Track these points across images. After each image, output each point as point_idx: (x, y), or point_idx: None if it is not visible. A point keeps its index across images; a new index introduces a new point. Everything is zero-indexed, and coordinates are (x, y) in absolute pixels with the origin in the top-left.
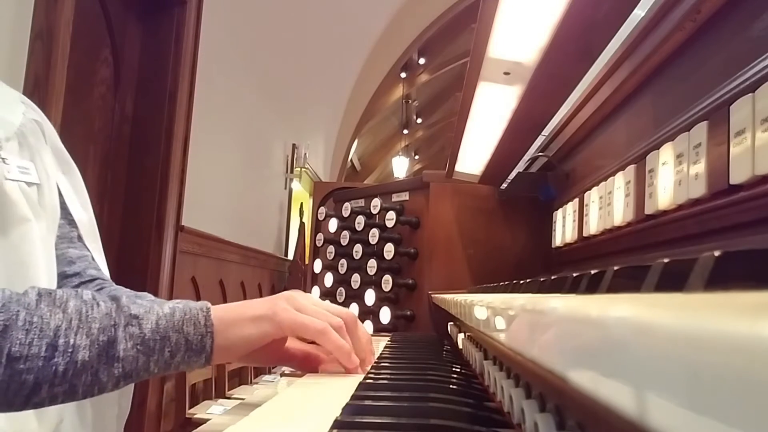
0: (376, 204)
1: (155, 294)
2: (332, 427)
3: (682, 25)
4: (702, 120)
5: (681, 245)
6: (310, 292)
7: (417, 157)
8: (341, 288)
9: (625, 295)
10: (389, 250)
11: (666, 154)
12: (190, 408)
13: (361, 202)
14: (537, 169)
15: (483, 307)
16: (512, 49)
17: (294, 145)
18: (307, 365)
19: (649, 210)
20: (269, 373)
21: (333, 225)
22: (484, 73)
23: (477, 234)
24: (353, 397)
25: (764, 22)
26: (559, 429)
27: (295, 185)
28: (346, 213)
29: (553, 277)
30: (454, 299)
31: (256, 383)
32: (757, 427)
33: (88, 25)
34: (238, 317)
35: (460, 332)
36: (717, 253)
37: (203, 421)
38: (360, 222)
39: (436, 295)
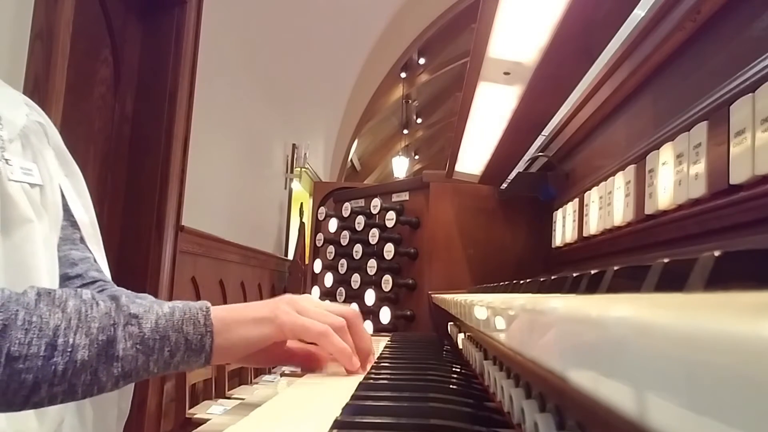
0: (376, 204)
1: (155, 294)
2: (332, 427)
3: (682, 25)
4: (702, 120)
5: (681, 245)
6: (310, 293)
7: (417, 157)
8: (341, 288)
9: (625, 295)
10: (389, 250)
11: (666, 154)
12: (190, 408)
13: (361, 202)
14: (537, 169)
15: (483, 307)
16: (512, 49)
17: (294, 145)
18: (308, 364)
19: (649, 210)
20: (269, 373)
21: (333, 225)
22: (484, 73)
23: (477, 234)
24: (353, 397)
25: (764, 22)
26: (559, 429)
27: (295, 185)
28: (346, 213)
29: (553, 277)
30: (454, 299)
31: (256, 383)
32: (757, 427)
33: (88, 25)
34: (239, 319)
35: (460, 332)
36: (717, 253)
37: (203, 421)
38: (360, 222)
39: (436, 295)
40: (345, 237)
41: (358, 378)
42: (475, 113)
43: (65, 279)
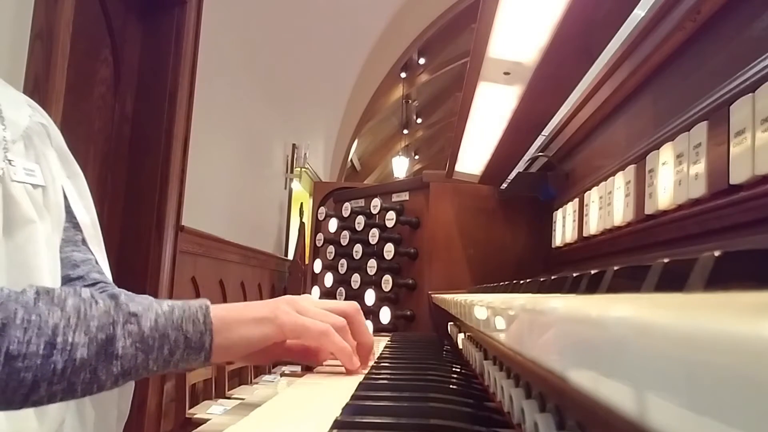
0: (376, 204)
1: (155, 295)
2: (332, 427)
3: (682, 25)
4: (702, 120)
5: (681, 245)
6: (310, 293)
7: (417, 157)
8: (341, 288)
9: (625, 295)
10: (389, 250)
11: (666, 154)
12: (190, 408)
13: (361, 202)
14: (537, 169)
15: (483, 307)
16: (512, 49)
17: (294, 145)
18: (306, 358)
19: (649, 210)
20: (269, 373)
21: (333, 225)
22: (484, 73)
23: (477, 234)
24: (353, 397)
25: (764, 22)
26: (559, 429)
27: (295, 185)
28: (346, 213)
29: (553, 277)
30: (454, 299)
31: (256, 383)
32: (757, 427)
33: (88, 25)
34: (240, 318)
35: (460, 332)
36: (717, 253)
37: (203, 421)
38: (360, 222)
39: (436, 295)
40: (345, 237)
41: (358, 378)
42: (475, 113)
43: (67, 281)
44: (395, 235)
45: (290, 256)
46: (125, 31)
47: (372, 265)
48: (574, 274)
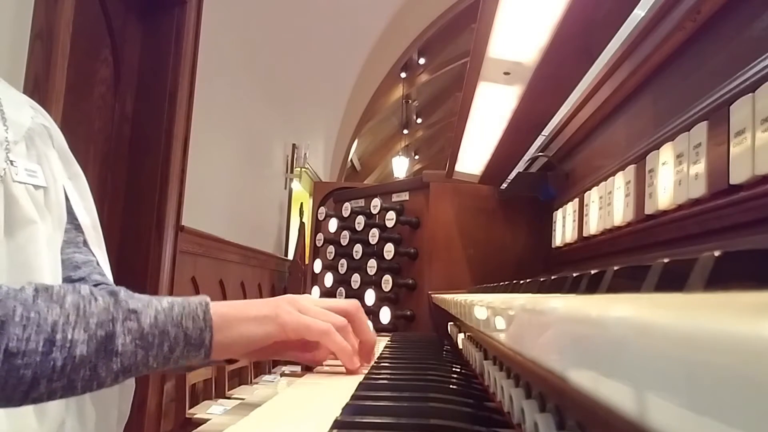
0: (376, 204)
1: (155, 295)
2: (332, 427)
3: (682, 25)
4: (702, 120)
5: (681, 245)
6: (310, 293)
7: (417, 157)
8: (341, 288)
9: (625, 295)
10: (389, 250)
11: (666, 154)
12: (190, 408)
13: (361, 202)
14: (537, 169)
15: (483, 307)
16: (512, 49)
17: (294, 145)
18: (305, 351)
19: (649, 210)
20: (269, 373)
21: (333, 225)
22: (484, 73)
23: (477, 234)
24: (353, 397)
25: (764, 22)
26: (559, 429)
27: (295, 185)
28: (346, 213)
29: (553, 277)
30: (454, 299)
31: (256, 383)
32: (757, 427)
33: (88, 25)
34: (241, 316)
35: (460, 332)
36: (717, 253)
37: (203, 421)
38: (360, 222)
39: (436, 295)
40: (345, 237)
41: (358, 378)
42: (475, 113)
43: (68, 282)
44: (395, 235)
45: (290, 256)
46: (125, 31)
47: (372, 265)
48: (574, 274)
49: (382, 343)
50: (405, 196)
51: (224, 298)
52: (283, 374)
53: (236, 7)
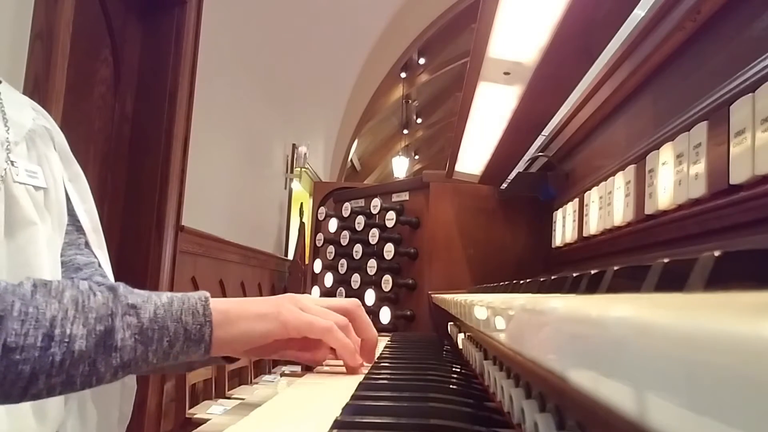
0: (376, 204)
1: None
2: (332, 427)
3: (682, 25)
4: (702, 120)
5: (681, 245)
6: (310, 293)
7: (417, 157)
8: (341, 288)
9: (625, 295)
10: (389, 250)
11: (666, 154)
12: (190, 408)
13: (361, 202)
14: (537, 169)
15: (483, 307)
16: (512, 49)
17: (294, 145)
18: (305, 350)
19: (649, 210)
20: (269, 373)
21: (333, 225)
22: (484, 73)
23: (477, 234)
24: (353, 397)
25: (764, 22)
26: (559, 429)
27: (295, 185)
28: (346, 213)
29: (553, 277)
30: (454, 299)
31: (256, 383)
32: (757, 427)
33: (88, 25)
34: (242, 313)
35: (460, 332)
36: (717, 253)
37: (203, 421)
38: (360, 222)
39: (436, 295)
40: (345, 237)
41: (358, 378)
42: (475, 113)
43: None
44: (395, 235)
45: (290, 256)
46: (125, 31)
47: (372, 265)
48: (574, 274)
49: (382, 343)
50: (405, 196)
51: (224, 297)
52: (283, 374)
53: (236, 7)
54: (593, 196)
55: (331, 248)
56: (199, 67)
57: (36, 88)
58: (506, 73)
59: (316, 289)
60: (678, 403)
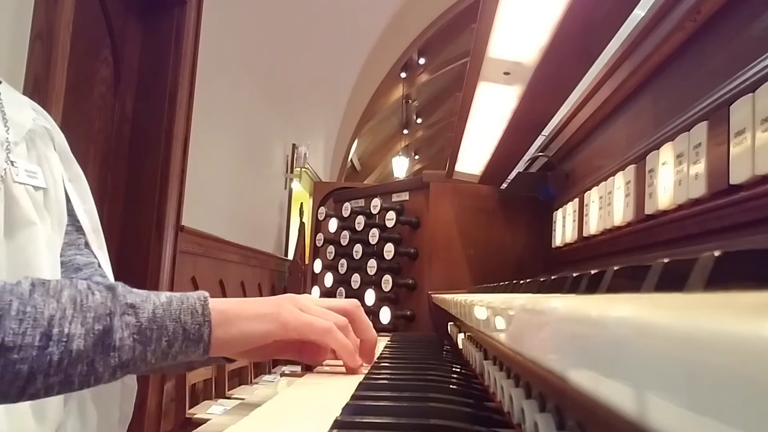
0: (376, 204)
1: None
2: (332, 427)
3: (682, 25)
4: (702, 120)
5: (681, 245)
6: (310, 293)
7: (417, 157)
8: (341, 288)
9: (625, 295)
10: (389, 250)
11: (666, 154)
12: (190, 408)
13: (361, 202)
14: (537, 169)
15: (483, 307)
16: (512, 49)
17: (294, 145)
18: (305, 354)
19: (649, 210)
20: (269, 373)
21: (333, 225)
22: (484, 73)
23: (477, 234)
24: (353, 397)
25: (764, 22)
26: (559, 429)
27: (295, 185)
28: (346, 213)
29: (553, 277)
30: (454, 299)
31: (256, 383)
32: (757, 427)
33: (88, 25)
34: (241, 313)
35: (460, 332)
36: (717, 253)
37: (203, 421)
38: (360, 222)
39: (436, 295)
40: (345, 237)
41: (358, 378)
42: (475, 113)
43: None
44: (395, 235)
45: (290, 256)
46: (125, 31)
47: (372, 265)
48: (574, 274)
49: (382, 343)
50: (405, 196)
51: (224, 297)
52: (283, 374)
53: (236, 7)
54: (593, 196)
55: (331, 248)
56: (199, 67)
57: (36, 88)
58: (506, 73)
59: (316, 289)
60: (678, 403)
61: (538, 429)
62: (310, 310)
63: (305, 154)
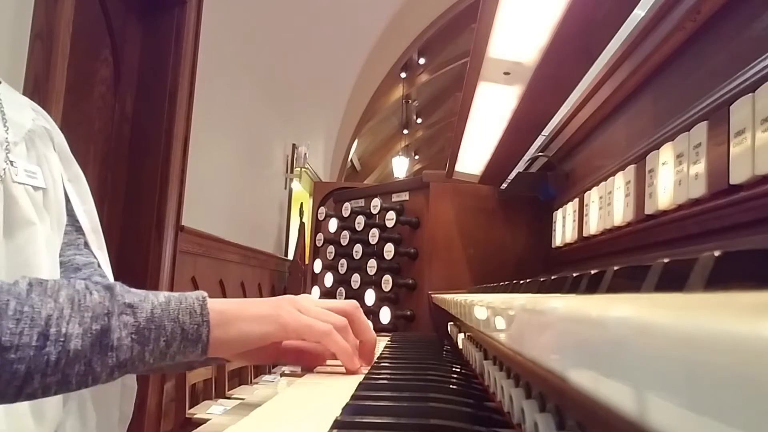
0: (376, 204)
1: None
2: (332, 427)
3: (682, 25)
4: (702, 120)
5: (681, 245)
6: (310, 293)
7: (417, 157)
8: (341, 288)
9: (625, 295)
10: (389, 250)
11: (666, 154)
12: (190, 408)
13: (361, 202)
14: (537, 169)
15: (483, 307)
16: (512, 49)
17: (294, 145)
18: (302, 361)
19: (649, 210)
20: (269, 373)
21: (333, 225)
22: (484, 73)
23: (477, 234)
24: (353, 397)
25: (764, 22)
26: (559, 429)
27: (295, 185)
28: (346, 213)
29: (553, 277)
30: (454, 299)
31: (256, 383)
32: (757, 427)
33: (88, 25)
34: (240, 314)
35: (460, 332)
36: (717, 253)
37: (203, 421)
38: (360, 222)
39: (436, 295)
40: (345, 237)
41: (358, 378)
42: (475, 113)
43: None
44: (395, 235)
45: (290, 256)
46: (125, 31)
47: (372, 265)
48: (574, 274)
49: (382, 343)
50: (405, 196)
51: (224, 297)
52: (283, 374)
53: (236, 7)
54: (593, 196)
55: (331, 248)
56: (199, 67)
57: (36, 88)
58: (506, 73)
59: (316, 289)
60: (678, 403)
61: (538, 429)
62: (310, 312)
63: (305, 154)
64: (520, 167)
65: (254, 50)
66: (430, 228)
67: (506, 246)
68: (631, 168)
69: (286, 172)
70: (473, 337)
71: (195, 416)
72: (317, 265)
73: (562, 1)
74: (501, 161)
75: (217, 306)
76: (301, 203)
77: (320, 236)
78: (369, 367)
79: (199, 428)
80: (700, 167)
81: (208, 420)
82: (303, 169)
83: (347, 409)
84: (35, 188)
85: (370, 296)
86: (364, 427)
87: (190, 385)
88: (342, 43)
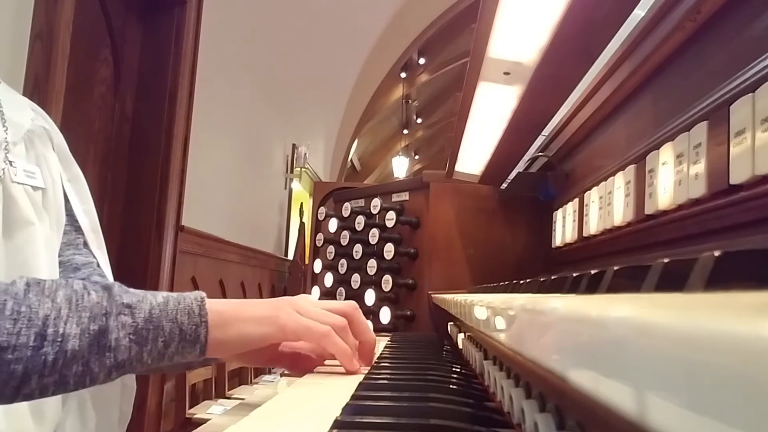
0: (376, 204)
1: None
2: (332, 427)
3: (682, 25)
4: (702, 120)
5: (681, 245)
6: (310, 293)
7: (417, 157)
8: (341, 288)
9: (625, 295)
10: (389, 250)
11: (666, 154)
12: (190, 408)
13: (361, 202)
14: (537, 169)
15: (483, 307)
16: (512, 49)
17: (294, 145)
18: (298, 366)
19: (649, 210)
20: (269, 373)
21: (333, 225)
22: (484, 73)
23: (477, 234)
24: (353, 397)
25: (764, 22)
26: (559, 429)
27: (295, 185)
28: (346, 213)
29: (553, 277)
30: (454, 299)
31: (256, 383)
32: (757, 427)
33: (88, 25)
34: (239, 315)
35: (460, 332)
36: (717, 253)
37: (203, 421)
38: (360, 222)
39: (436, 295)
40: (345, 237)
41: (358, 378)
42: (475, 113)
43: None
44: (395, 235)
45: (290, 256)
46: (125, 31)
47: (372, 265)
48: (574, 274)
49: (382, 343)
50: (405, 196)
51: (224, 297)
52: (283, 374)
53: (236, 7)
54: (593, 196)
55: (331, 248)
56: (199, 67)
57: (36, 89)
58: (506, 73)
59: (316, 289)
60: (678, 403)
61: (538, 429)
62: (309, 313)
63: (305, 154)
64: (520, 167)
65: (254, 50)
66: (430, 228)
67: (506, 246)
68: (631, 168)
69: (286, 172)
70: (473, 337)
71: (195, 416)
72: (317, 265)
73: (562, 1)
74: (501, 161)
75: (215, 307)
76: (301, 203)
77: (320, 236)
78: (369, 368)
79: (199, 428)
80: (700, 167)
81: (208, 420)
82: (303, 169)
83: (347, 409)
84: (34, 188)
85: (370, 296)
86: (364, 427)
87: (190, 385)
88: (342, 43)
